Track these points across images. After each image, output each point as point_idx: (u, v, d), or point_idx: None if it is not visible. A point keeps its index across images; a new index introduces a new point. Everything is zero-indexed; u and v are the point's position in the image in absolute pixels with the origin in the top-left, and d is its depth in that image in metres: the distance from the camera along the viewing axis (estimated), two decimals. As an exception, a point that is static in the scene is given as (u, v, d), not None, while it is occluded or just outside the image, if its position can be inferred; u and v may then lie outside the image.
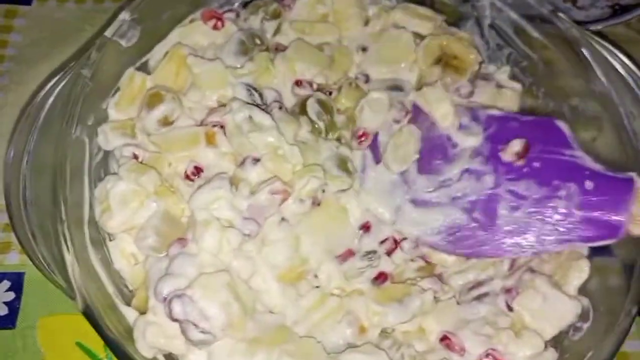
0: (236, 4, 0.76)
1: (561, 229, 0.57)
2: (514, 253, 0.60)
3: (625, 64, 0.68)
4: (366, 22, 0.76)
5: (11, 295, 0.72)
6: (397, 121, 0.66)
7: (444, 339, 0.59)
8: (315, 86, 0.69)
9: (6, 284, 0.73)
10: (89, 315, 0.50)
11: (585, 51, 0.66)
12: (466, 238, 0.61)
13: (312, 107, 0.66)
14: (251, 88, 0.67)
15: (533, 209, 0.58)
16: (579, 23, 0.81)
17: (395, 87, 0.71)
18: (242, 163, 0.62)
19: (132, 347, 0.51)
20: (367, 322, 0.59)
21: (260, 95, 0.67)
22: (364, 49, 0.74)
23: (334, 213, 0.63)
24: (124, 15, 0.64)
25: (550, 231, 0.58)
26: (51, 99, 0.60)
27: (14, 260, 0.74)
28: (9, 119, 0.82)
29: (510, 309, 0.60)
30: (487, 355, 0.57)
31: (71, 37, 0.89)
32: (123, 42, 0.65)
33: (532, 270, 0.62)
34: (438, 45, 0.72)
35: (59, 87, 0.61)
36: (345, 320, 0.59)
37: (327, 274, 0.61)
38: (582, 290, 0.63)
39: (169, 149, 0.63)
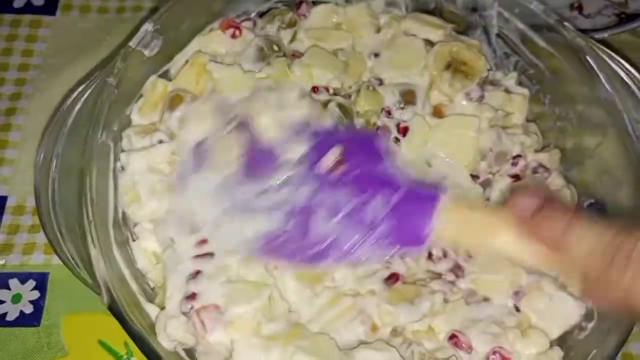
0: (253, 14, 0.79)
1: (374, 236, 0.57)
2: (331, 259, 0.58)
3: (629, 71, 0.70)
4: (378, 30, 0.79)
5: (36, 294, 0.75)
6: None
7: (452, 337, 0.61)
8: (331, 91, 0.72)
9: (31, 283, 0.76)
10: (114, 309, 0.53)
11: (590, 59, 0.68)
12: (280, 247, 0.59)
13: (332, 111, 0.69)
14: None
15: (348, 218, 0.57)
16: (585, 31, 0.83)
17: (408, 90, 0.73)
18: None
19: (155, 341, 0.54)
20: (378, 320, 0.61)
21: None
22: (376, 55, 0.77)
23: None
24: (147, 26, 0.67)
25: (364, 239, 0.57)
26: (78, 106, 0.63)
27: (39, 260, 0.77)
28: (33, 124, 0.85)
29: (517, 309, 0.62)
30: (494, 352, 0.59)
31: (93, 46, 0.92)
32: (146, 52, 0.68)
33: (539, 272, 0.65)
34: (448, 51, 0.74)
35: (86, 94, 0.64)
36: (358, 318, 0.61)
37: (343, 275, 0.63)
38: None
39: None
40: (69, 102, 0.63)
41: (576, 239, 0.45)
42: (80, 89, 0.64)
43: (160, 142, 0.67)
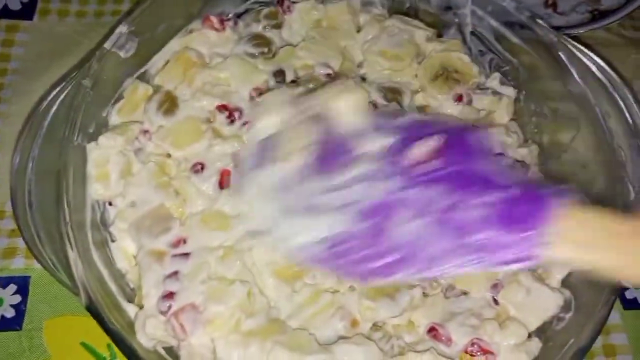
0: (230, 15, 0.79)
1: (474, 246, 0.46)
2: (406, 272, 0.49)
3: (600, 65, 0.71)
4: (358, 30, 0.80)
5: (17, 299, 0.75)
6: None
7: (431, 330, 0.62)
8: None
9: (12, 287, 0.75)
10: (92, 310, 0.53)
11: (562, 55, 0.69)
12: (350, 252, 0.50)
13: None
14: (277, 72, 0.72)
15: (439, 221, 0.47)
16: (559, 28, 0.85)
17: (393, 88, 0.74)
18: None
19: (135, 340, 0.54)
20: (359, 316, 0.62)
21: (284, 76, 0.72)
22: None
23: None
24: (122, 28, 0.67)
25: (459, 248, 0.47)
26: (54, 108, 0.63)
27: (20, 264, 0.77)
28: (12, 129, 0.84)
29: (495, 302, 0.63)
30: (473, 344, 0.60)
31: (72, 50, 0.92)
32: (122, 53, 0.68)
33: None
34: (439, 63, 0.76)
35: (61, 96, 0.64)
36: (337, 314, 0.61)
37: (323, 273, 0.63)
38: (565, 282, 0.66)
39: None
40: (44, 104, 0.63)
41: None
42: (55, 91, 0.64)
43: (145, 132, 0.68)
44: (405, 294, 0.62)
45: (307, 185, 0.52)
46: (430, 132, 0.52)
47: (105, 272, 0.59)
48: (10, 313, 0.74)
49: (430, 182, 0.48)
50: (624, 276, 0.46)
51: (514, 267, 0.46)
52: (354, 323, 0.62)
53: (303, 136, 0.55)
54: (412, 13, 0.83)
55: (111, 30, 0.68)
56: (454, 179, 0.48)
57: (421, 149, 0.50)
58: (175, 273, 0.59)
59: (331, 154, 0.53)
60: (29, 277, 0.76)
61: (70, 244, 0.56)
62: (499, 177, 0.49)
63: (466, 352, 0.60)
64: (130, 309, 0.59)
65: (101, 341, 0.72)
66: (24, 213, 0.58)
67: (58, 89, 0.64)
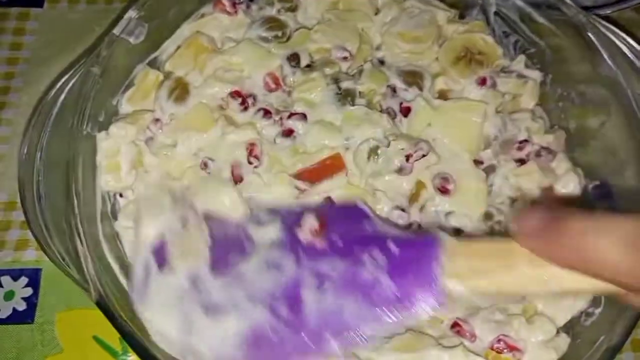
0: (241, -1, 0.77)
1: (381, 305, 0.46)
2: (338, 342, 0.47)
3: (632, 46, 0.67)
4: (376, 12, 0.77)
5: (29, 291, 0.74)
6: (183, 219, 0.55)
7: (454, 325, 0.59)
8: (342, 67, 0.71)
9: (24, 280, 0.74)
10: (103, 305, 0.51)
11: (591, 35, 0.66)
12: (273, 346, 0.48)
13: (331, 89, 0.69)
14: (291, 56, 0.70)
15: (342, 289, 0.48)
16: (586, 8, 0.81)
17: (413, 71, 0.71)
18: None
19: (146, 336, 0.52)
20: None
21: (298, 60, 0.70)
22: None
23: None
24: (131, 14, 0.65)
25: (370, 311, 0.47)
26: (62, 96, 0.61)
27: (31, 256, 0.75)
28: (24, 118, 0.83)
29: (523, 297, 0.61)
30: (499, 341, 0.57)
31: (83, 38, 0.90)
32: (131, 40, 0.66)
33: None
34: (461, 44, 0.73)
35: (70, 84, 0.62)
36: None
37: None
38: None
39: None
40: (52, 92, 0.61)
41: (597, 244, 0.36)
42: (64, 79, 0.62)
43: (157, 121, 0.66)
44: None
45: (206, 286, 0.51)
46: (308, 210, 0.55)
47: (116, 267, 0.58)
48: (21, 306, 0.73)
49: (324, 254, 0.50)
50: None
51: (426, 311, 0.45)
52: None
53: (192, 239, 0.54)
54: (434, -8, 0.80)
55: (120, 16, 0.65)
56: (339, 251, 0.50)
57: (304, 229, 0.53)
58: None
59: (225, 251, 0.53)
60: (41, 269, 0.75)
61: (80, 237, 0.54)
62: (382, 234, 0.51)
63: (492, 348, 0.57)
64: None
65: (114, 335, 0.70)
66: (33, 205, 0.56)
67: (66, 76, 0.62)
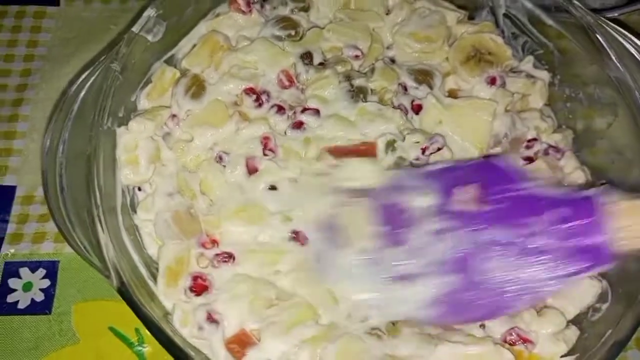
0: (256, -1, 0.79)
1: (552, 266, 0.50)
2: (515, 306, 0.54)
3: (639, 47, 0.68)
4: (387, 12, 0.78)
5: (47, 283, 0.75)
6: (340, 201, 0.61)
7: None
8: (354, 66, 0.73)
9: (42, 271, 0.76)
10: (124, 292, 0.53)
11: (599, 37, 0.67)
12: (460, 304, 0.54)
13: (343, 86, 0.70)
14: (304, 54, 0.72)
15: (516, 254, 0.51)
16: (594, 11, 0.82)
17: (423, 70, 0.73)
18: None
19: (167, 327, 0.54)
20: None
21: (311, 59, 0.72)
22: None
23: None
24: (149, 12, 0.67)
25: (542, 272, 0.51)
26: (83, 92, 0.63)
27: (49, 249, 0.77)
28: (41, 114, 0.85)
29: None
30: (511, 333, 0.59)
31: (98, 36, 0.92)
32: (150, 37, 0.68)
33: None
34: (471, 44, 0.74)
35: (90, 80, 0.63)
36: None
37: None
38: (601, 273, 0.64)
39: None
40: (74, 88, 0.63)
41: None
42: (84, 75, 0.63)
43: (173, 116, 0.68)
44: None
45: (389, 258, 0.56)
46: (459, 175, 0.57)
47: (136, 257, 0.59)
48: (39, 297, 0.74)
49: (489, 226, 0.52)
50: None
51: (592, 271, 0.50)
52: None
53: (359, 217, 0.59)
54: (443, -6, 0.81)
55: (139, 14, 0.67)
56: (504, 218, 0.52)
57: (462, 200, 0.54)
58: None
59: (394, 223, 0.57)
60: (58, 261, 0.77)
61: (102, 227, 0.55)
62: (545, 196, 0.53)
63: (505, 340, 0.58)
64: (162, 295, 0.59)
65: (129, 326, 0.72)
66: (56, 196, 0.58)
67: (87, 72, 0.64)
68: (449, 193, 0.56)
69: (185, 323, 0.57)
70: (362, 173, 0.63)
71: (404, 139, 0.65)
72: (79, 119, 0.62)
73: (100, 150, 0.60)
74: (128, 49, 0.65)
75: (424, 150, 0.65)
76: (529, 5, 0.74)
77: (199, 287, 0.59)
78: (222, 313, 0.58)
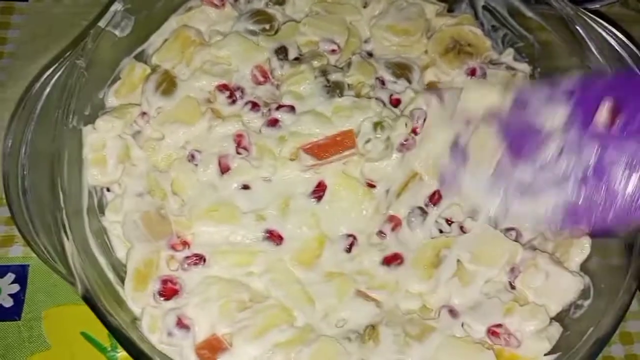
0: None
1: None
2: None
3: (619, 38, 0.68)
4: (365, 5, 0.77)
5: (16, 288, 0.73)
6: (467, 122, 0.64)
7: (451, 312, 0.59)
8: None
9: (11, 276, 0.73)
10: (89, 300, 0.51)
11: (579, 28, 0.66)
12: (584, 213, 0.56)
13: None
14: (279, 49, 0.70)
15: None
16: (574, 2, 0.81)
17: (401, 64, 0.71)
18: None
19: (135, 333, 0.52)
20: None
21: (286, 53, 0.70)
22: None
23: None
24: (117, 6, 0.65)
25: None
26: (47, 90, 0.60)
27: (18, 252, 0.74)
28: (8, 113, 0.82)
29: (512, 287, 0.61)
30: (494, 329, 0.58)
31: (68, 32, 0.89)
32: (117, 32, 0.66)
33: (533, 248, 0.63)
34: (449, 36, 0.73)
35: (55, 77, 0.61)
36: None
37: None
38: (583, 268, 0.63)
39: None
40: (37, 86, 0.60)
41: None
42: (49, 72, 0.61)
43: (144, 114, 0.66)
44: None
45: (516, 171, 0.58)
46: (597, 89, 0.56)
47: (103, 261, 0.57)
48: (8, 302, 0.72)
49: (626, 138, 0.53)
50: None
51: None
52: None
53: (487, 140, 0.61)
54: (422, -14, 0.80)
55: (106, 9, 0.65)
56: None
57: (602, 113, 0.54)
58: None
59: (522, 139, 0.59)
60: (28, 265, 0.74)
61: (66, 232, 0.53)
62: None
63: (489, 332, 0.57)
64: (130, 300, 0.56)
65: (102, 331, 0.69)
66: (18, 199, 0.55)
67: (51, 70, 0.61)
68: (585, 108, 0.56)
69: (153, 329, 0.55)
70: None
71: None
72: (43, 118, 0.60)
73: (65, 150, 0.58)
74: (94, 45, 0.62)
75: (414, 131, 0.65)
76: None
77: (169, 291, 0.57)
78: (193, 318, 0.56)
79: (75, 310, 0.71)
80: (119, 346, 0.70)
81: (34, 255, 0.73)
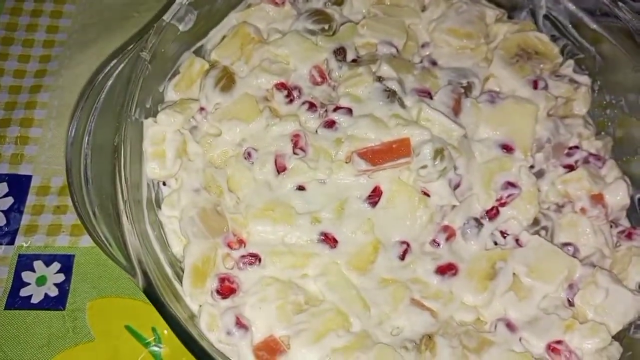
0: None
1: None
2: None
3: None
4: (423, 9, 0.76)
5: (61, 277, 0.72)
6: None
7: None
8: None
9: (56, 265, 0.73)
10: (150, 293, 0.50)
11: (647, 42, 0.65)
12: None
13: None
14: (337, 50, 0.69)
15: None
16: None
17: (464, 71, 0.70)
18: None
19: (194, 330, 0.51)
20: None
21: (345, 55, 0.69)
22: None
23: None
24: (182, 0, 0.64)
25: None
26: (110, 81, 0.60)
27: (64, 242, 0.74)
28: (60, 101, 0.83)
29: (571, 303, 0.59)
30: (554, 346, 0.56)
31: (118, 23, 0.89)
32: (180, 26, 0.65)
33: (592, 265, 0.61)
34: (516, 44, 0.72)
35: (118, 69, 0.60)
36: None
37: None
38: (641, 287, 0.61)
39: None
40: (100, 77, 0.60)
41: None
42: (112, 63, 0.61)
43: (201, 109, 0.66)
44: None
45: None
46: None
47: (161, 255, 0.56)
48: (53, 292, 0.72)
49: None
50: None
51: None
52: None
53: None
54: (481, -8, 0.78)
55: (170, 2, 0.64)
56: None
57: None
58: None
59: None
60: (73, 255, 0.74)
61: (129, 221, 0.53)
62: None
63: (549, 349, 0.56)
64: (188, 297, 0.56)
65: (146, 324, 0.70)
66: (80, 188, 0.55)
67: (115, 60, 0.61)
68: None
69: (212, 327, 0.54)
70: None
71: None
72: (105, 109, 0.59)
73: (127, 141, 0.57)
74: (158, 38, 0.62)
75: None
76: (572, 7, 0.72)
77: (226, 289, 0.56)
78: (250, 318, 0.55)
79: (120, 303, 0.71)
80: (161, 341, 0.69)
81: (79, 245, 0.74)
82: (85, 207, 0.55)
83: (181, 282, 0.56)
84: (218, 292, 0.56)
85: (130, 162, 0.57)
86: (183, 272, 0.57)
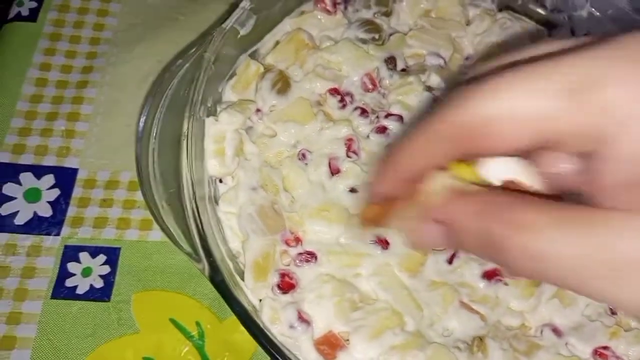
0: (341, -1, 0.78)
1: None
2: None
3: None
4: (467, 23, 0.78)
5: (106, 269, 0.74)
6: None
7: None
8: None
9: (102, 257, 0.74)
10: (218, 283, 0.52)
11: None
12: None
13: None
14: (388, 58, 0.71)
15: None
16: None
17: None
18: None
19: (258, 318, 0.53)
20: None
21: (395, 64, 0.71)
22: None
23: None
24: (245, 4, 0.67)
25: None
26: (176, 80, 0.62)
27: (110, 235, 0.76)
28: (106, 97, 0.84)
29: (613, 312, 0.61)
30: (601, 351, 0.58)
31: (164, 24, 0.91)
32: (241, 30, 0.68)
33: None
34: None
35: (183, 68, 0.63)
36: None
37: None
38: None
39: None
40: (166, 75, 0.62)
41: None
42: (178, 62, 0.63)
43: (257, 111, 0.68)
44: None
45: None
46: None
47: (223, 249, 0.58)
48: (99, 283, 0.73)
49: None
50: None
51: None
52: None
53: None
54: (520, 10, 0.81)
55: (231, 6, 0.67)
56: None
57: None
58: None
59: None
60: (119, 248, 0.75)
61: (195, 217, 0.55)
62: None
63: (597, 354, 0.58)
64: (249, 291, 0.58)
65: (190, 318, 0.71)
66: (148, 181, 0.57)
67: (180, 60, 0.63)
68: None
69: (274, 320, 0.56)
70: None
71: None
72: (170, 107, 0.61)
73: (192, 138, 0.59)
74: (221, 40, 0.64)
75: None
76: (614, 29, 0.74)
77: (286, 284, 0.58)
78: (309, 313, 0.57)
79: (164, 296, 0.73)
80: (205, 334, 0.71)
81: (125, 238, 0.76)
82: (154, 200, 0.56)
83: (240, 276, 0.58)
84: (279, 286, 0.58)
85: (195, 158, 0.59)
86: (242, 267, 0.59)
